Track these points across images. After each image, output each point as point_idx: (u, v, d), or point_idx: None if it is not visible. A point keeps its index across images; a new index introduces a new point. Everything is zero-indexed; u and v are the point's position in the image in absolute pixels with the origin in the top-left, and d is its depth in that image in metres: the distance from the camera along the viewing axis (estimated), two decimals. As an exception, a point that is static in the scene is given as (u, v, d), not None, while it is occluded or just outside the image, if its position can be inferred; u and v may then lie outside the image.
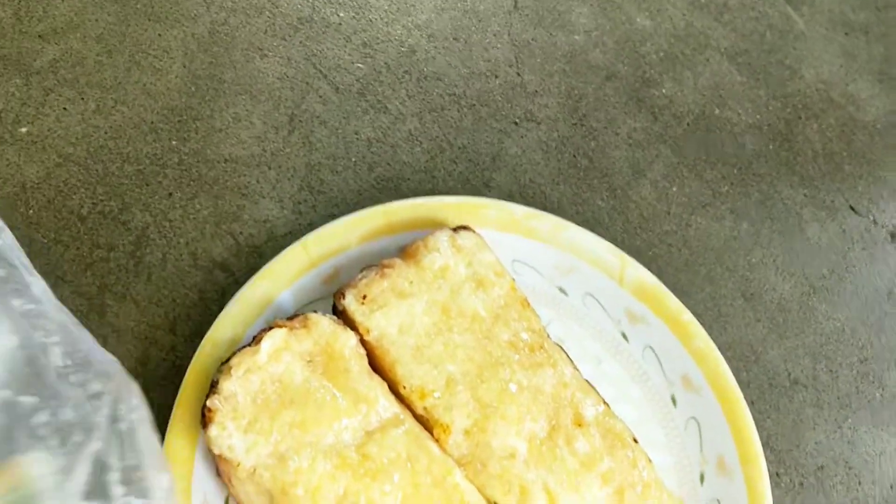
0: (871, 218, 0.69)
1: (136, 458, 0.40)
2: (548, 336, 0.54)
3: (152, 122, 0.65)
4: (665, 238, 0.66)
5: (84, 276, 0.58)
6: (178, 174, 0.63)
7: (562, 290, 0.60)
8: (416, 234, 0.56)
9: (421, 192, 0.65)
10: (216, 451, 0.46)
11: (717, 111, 0.72)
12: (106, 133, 0.64)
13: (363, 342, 0.51)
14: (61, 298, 0.48)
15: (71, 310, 0.48)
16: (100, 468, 0.39)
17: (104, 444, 0.39)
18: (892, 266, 0.67)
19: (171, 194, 0.62)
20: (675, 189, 0.68)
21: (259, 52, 0.69)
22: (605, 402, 0.52)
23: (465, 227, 0.56)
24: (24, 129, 0.63)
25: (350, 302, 0.52)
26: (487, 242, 0.56)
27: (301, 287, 0.56)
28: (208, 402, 0.47)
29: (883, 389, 0.62)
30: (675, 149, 0.70)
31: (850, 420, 0.61)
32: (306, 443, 0.46)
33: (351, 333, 0.50)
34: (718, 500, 0.54)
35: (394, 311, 0.51)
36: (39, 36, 0.67)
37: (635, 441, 0.51)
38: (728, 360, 0.56)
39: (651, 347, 0.58)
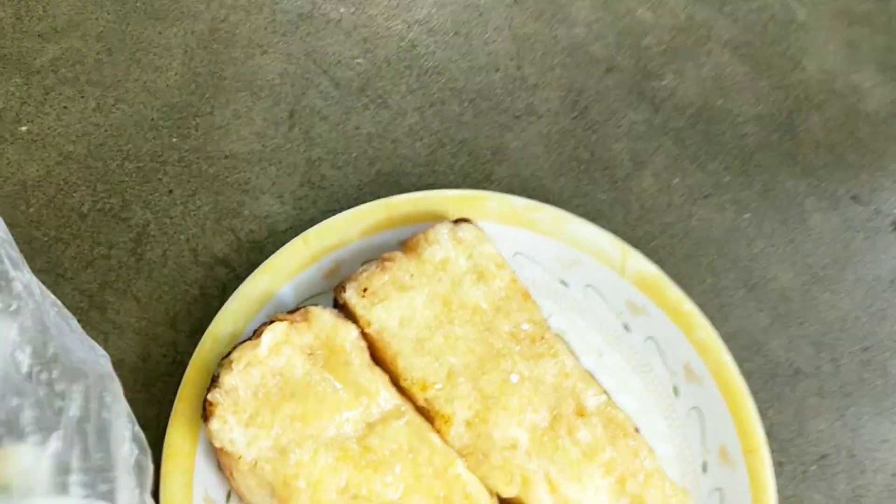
0: (874, 208, 0.69)
1: (103, 459, 0.41)
2: (549, 327, 0.54)
3: (152, 120, 0.65)
4: (667, 229, 0.65)
5: (85, 274, 0.59)
6: (179, 171, 0.63)
7: (563, 283, 0.59)
8: (417, 228, 0.56)
9: (422, 186, 0.65)
10: (217, 445, 0.46)
11: (718, 102, 0.72)
12: (106, 131, 0.64)
13: (364, 335, 0.51)
14: (62, 296, 0.48)
15: (71, 307, 0.49)
16: (61, 469, 0.39)
17: (65, 444, 0.39)
18: (895, 255, 0.67)
19: (171, 191, 0.62)
20: (676, 180, 0.68)
21: (259, 49, 0.69)
22: (606, 393, 0.52)
23: (465, 220, 0.56)
24: (24, 128, 0.63)
25: (351, 295, 0.52)
26: (488, 235, 0.56)
27: (302, 282, 0.56)
28: (209, 396, 0.47)
29: (886, 378, 0.62)
30: (676, 140, 0.70)
31: (852, 409, 0.60)
32: (307, 435, 0.47)
33: (352, 326, 0.50)
34: (721, 490, 0.53)
35: (395, 304, 0.51)
36: (39, 35, 0.67)
37: (637, 431, 0.51)
38: (730, 350, 0.56)
39: (653, 338, 0.58)
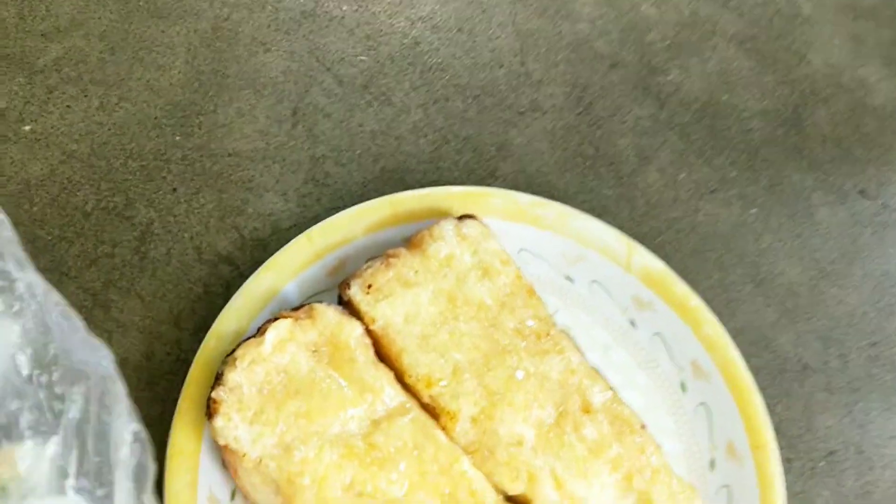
0: (882, 202, 0.68)
1: (102, 461, 0.40)
2: (554, 323, 0.53)
3: (156, 118, 0.65)
4: (673, 225, 0.65)
5: (88, 272, 0.58)
6: (182, 169, 0.63)
7: (568, 279, 0.59)
8: (421, 225, 0.56)
9: (426, 183, 0.64)
10: (222, 443, 0.46)
11: (724, 97, 0.72)
12: (109, 130, 0.64)
13: (369, 332, 0.51)
14: (66, 294, 0.48)
15: (75, 306, 0.49)
16: (61, 469, 0.39)
17: (64, 447, 0.39)
18: (904, 249, 0.67)
19: (175, 189, 0.62)
20: (682, 176, 0.67)
21: (262, 47, 0.69)
22: (612, 389, 0.51)
23: (470, 216, 0.55)
24: (27, 127, 0.63)
25: (355, 292, 0.51)
26: (493, 231, 0.55)
27: (306, 279, 0.56)
28: (213, 394, 0.47)
29: (894, 373, 0.61)
30: (682, 135, 0.69)
31: (861, 404, 0.60)
32: (312, 433, 0.46)
33: (356, 323, 0.50)
34: (728, 487, 0.53)
35: (399, 300, 0.51)
36: (42, 34, 0.67)
37: (643, 427, 0.51)
38: (738, 345, 0.56)
39: (659, 334, 0.57)
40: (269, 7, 0.71)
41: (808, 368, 0.61)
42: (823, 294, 0.64)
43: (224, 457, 0.49)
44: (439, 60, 0.70)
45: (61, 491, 0.38)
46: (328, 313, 0.50)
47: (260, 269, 0.55)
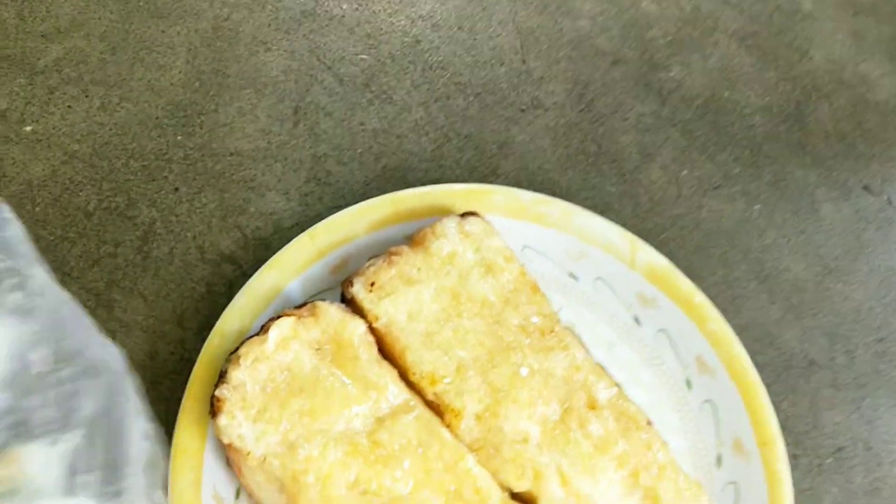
0: (886, 197, 0.68)
1: (115, 457, 0.40)
2: (559, 320, 0.53)
3: (157, 118, 0.65)
4: (676, 221, 0.65)
5: (91, 272, 0.58)
6: (184, 169, 0.63)
7: (572, 276, 0.59)
8: (424, 223, 0.55)
9: (428, 181, 0.64)
10: (226, 441, 0.46)
11: (726, 94, 0.72)
12: (111, 130, 0.64)
13: (372, 330, 0.50)
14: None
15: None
16: (72, 468, 0.38)
17: (78, 443, 0.39)
18: (908, 245, 0.66)
19: (177, 189, 0.62)
20: (685, 172, 0.67)
21: (263, 46, 0.69)
22: (618, 385, 0.51)
23: (472, 214, 0.55)
24: (29, 128, 0.63)
25: (358, 290, 0.51)
26: (496, 228, 0.55)
27: (309, 277, 0.56)
28: (217, 392, 0.47)
29: (901, 368, 0.61)
30: (684, 132, 0.69)
31: (868, 400, 0.60)
32: (316, 430, 0.46)
33: (359, 321, 0.50)
34: (735, 483, 0.53)
35: (402, 298, 0.51)
36: (43, 35, 0.67)
37: (650, 423, 0.50)
38: (743, 342, 0.56)
39: (664, 330, 0.57)
40: (270, 6, 0.70)
41: (814, 364, 0.60)
42: (829, 290, 0.64)
43: (228, 455, 0.48)
44: (440, 58, 0.70)
45: (71, 492, 0.38)
46: (331, 311, 0.50)
47: (263, 267, 0.55)
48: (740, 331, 0.57)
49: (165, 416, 0.52)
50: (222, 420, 0.46)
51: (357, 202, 0.58)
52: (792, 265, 0.64)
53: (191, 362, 0.52)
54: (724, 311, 0.57)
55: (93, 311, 0.57)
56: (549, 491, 0.47)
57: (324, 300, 0.51)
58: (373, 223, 0.58)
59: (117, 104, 0.65)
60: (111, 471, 0.40)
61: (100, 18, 0.68)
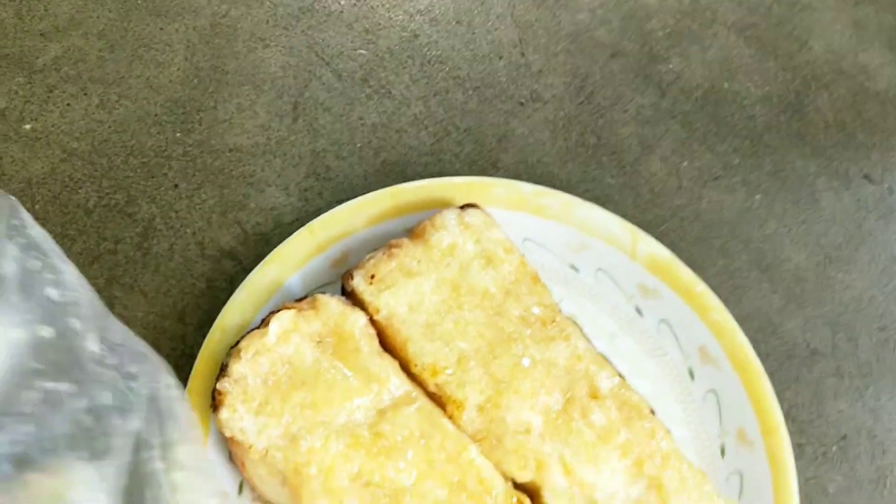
0: (887, 186, 0.68)
1: (176, 433, 0.40)
2: (560, 310, 0.53)
3: (156, 115, 0.64)
4: (677, 212, 0.65)
5: (91, 269, 0.58)
6: (183, 165, 0.63)
7: (573, 268, 0.59)
8: (423, 216, 0.55)
9: (427, 175, 0.64)
10: (228, 434, 0.46)
11: (726, 85, 0.71)
12: (110, 127, 0.64)
13: (373, 322, 0.50)
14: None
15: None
16: (140, 447, 0.38)
17: (144, 423, 0.39)
18: (910, 233, 0.66)
19: (176, 185, 0.62)
20: (685, 163, 0.67)
21: (261, 43, 0.69)
22: (620, 375, 0.51)
23: (472, 205, 0.55)
24: (28, 126, 0.63)
25: (358, 282, 0.51)
26: (496, 220, 0.55)
27: (309, 271, 0.56)
28: (218, 386, 0.46)
29: (904, 356, 0.61)
30: (684, 123, 0.69)
31: (871, 388, 0.59)
32: (318, 423, 0.46)
33: (360, 313, 0.50)
34: (740, 473, 0.53)
35: (402, 290, 0.51)
36: (41, 34, 0.67)
37: (652, 412, 0.50)
38: (746, 332, 0.55)
39: (666, 321, 0.57)
40: (268, 3, 0.70)
41: (816, 354, 0.60)
42: (830, 279, 0.63)
43: (231, 449, 0.48)
44: (438, 53, 0.70)
45: (144, 467, 0.38)
46: (332, 304, 0.50)
47: (263, 261, 0.55)
48: (742, 320, 0.57)
49: (167, 411, 0.52)
50: (224, 414, 0.46)
51: (357, 196, 0.58)
52: (793, 255, 0.64)
53: (192, 358, 0.52)
54: (726, 302, 0.57)
55: (93, 308, 0.57)
56: (552, 481, 0.47)
57: (324, 294, 0.51)
58: (372, 217, 0.58)
59: (116, 102, 0.65)
60: (173, 446, 0.40)
61: (98, 16, 0.68)
